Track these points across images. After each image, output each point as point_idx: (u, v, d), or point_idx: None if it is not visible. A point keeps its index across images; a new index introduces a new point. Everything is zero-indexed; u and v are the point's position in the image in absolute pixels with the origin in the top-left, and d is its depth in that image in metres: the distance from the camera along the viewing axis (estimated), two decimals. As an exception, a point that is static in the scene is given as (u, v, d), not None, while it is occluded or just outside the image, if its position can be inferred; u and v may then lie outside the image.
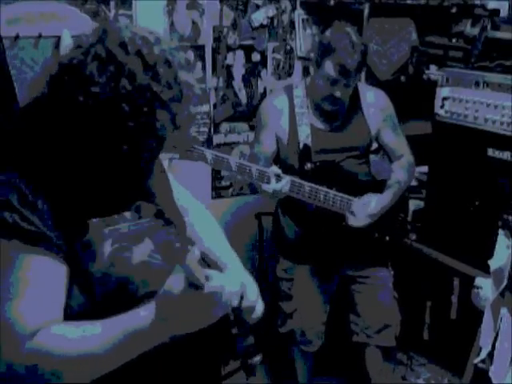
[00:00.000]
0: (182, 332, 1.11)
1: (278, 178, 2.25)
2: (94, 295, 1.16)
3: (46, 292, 1.12)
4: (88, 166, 1.17)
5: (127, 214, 1.23)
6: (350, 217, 2.44)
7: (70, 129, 1.13)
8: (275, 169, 2.28)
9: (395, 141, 2.63)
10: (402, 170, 2.61)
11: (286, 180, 2.27)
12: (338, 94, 2.38)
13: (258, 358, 1.25)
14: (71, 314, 1.14)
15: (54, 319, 1.11)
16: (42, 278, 1.12)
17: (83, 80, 1.10)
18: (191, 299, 1.06)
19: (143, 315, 1.09)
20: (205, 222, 1.58)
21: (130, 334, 1.08)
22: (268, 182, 2.24)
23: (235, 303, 1.22)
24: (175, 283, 1.06)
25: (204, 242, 1.50)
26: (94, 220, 1.17)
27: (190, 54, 2.89)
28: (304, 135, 2.45)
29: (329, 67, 2.33)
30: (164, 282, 1.11)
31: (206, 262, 1.20)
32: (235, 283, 1.20)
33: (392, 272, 2.71)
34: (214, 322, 1.12)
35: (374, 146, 2.71)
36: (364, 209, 2.44)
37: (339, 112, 2.50)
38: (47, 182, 1.14)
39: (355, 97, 2.54)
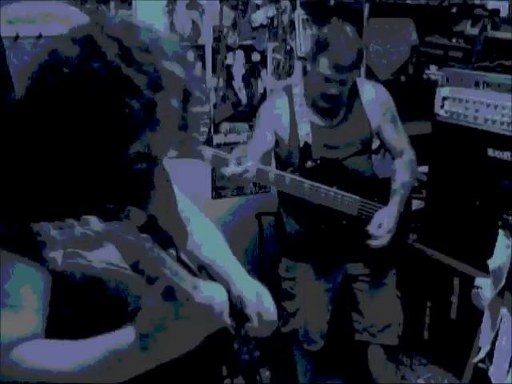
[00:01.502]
0: (168, 358, 1.03)
1: (238, 162, 2.11)
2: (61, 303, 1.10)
3: (28, 303, 1.07)
4: (54, 156, 1.09)
5: (90, 218, 1.06)
6: (372, 241, 2.44)
7: (39, 114, 1.08)
8: (237, 154, 2.14)
9: (396, 136, 2.62)
10: (406, 170, 2.59)
11: (247, 165, 2.13)
12: (332, 91, 2.36)
13: (267, 374, 1.17)
14: (51, 323, 1.09)
15: (35, 331, 1.07)
16: (25, 286, 1.07)
17: (56, 61, 1.07)
18: (176, 321, 0.97)
19: (122, 338, 1.02)
20: (207, 233, 1.52)
21: (110, 355, 1.02)
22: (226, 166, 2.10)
23: (227, 317, 1.09)
24: (157, 301, 0.96)
25: (207, 253, 1.45)
26: (44, 223, 1.02)
27: (190, 54, 2.89)
28: (304, 133, 2.45)
29: (323, 64, 2.32)
30: (133, 289, 1.03)
31: (211, 275, 1.13)
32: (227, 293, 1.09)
33: (394, 270, 2.71)
34: (202, 338, 1.03)
35: (375, 145, 2.71)
36: (380, 231, 2.43)
37: (336, 109, 2.49)
38: (10, 175, 1.08)
39: (354, 91, 2.53)
